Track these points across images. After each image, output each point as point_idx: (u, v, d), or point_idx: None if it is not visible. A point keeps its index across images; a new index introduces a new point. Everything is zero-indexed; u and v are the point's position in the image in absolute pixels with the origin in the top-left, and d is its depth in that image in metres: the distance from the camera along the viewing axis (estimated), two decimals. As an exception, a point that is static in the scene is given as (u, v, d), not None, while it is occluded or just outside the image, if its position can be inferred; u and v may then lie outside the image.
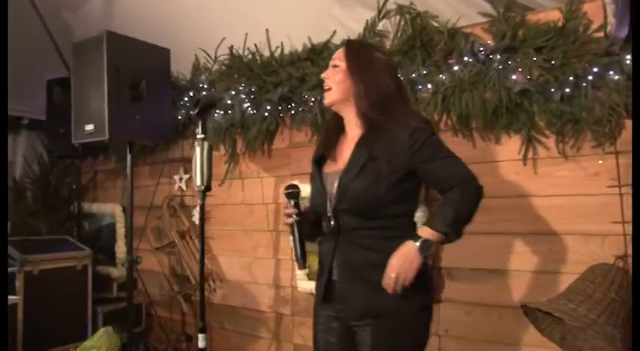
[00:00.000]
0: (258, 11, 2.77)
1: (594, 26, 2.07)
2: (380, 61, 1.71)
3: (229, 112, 3.05)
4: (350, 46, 1.77)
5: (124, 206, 3.75)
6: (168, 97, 2.95)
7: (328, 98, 1.72)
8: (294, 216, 1.69)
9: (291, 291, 2.99)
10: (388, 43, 2.59)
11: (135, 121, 2.62)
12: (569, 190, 2.18)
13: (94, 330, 3.01)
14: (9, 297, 2.67)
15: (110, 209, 3.80)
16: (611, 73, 2.02)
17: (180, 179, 3.45)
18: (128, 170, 2.75)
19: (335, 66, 1.72)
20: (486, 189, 2.36)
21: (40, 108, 3.72)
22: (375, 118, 1.62)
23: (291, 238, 1.76)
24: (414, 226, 1.71)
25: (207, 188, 2.05)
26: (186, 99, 3.31)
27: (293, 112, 2.89)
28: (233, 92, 3.03)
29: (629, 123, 2.06)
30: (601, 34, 2.05)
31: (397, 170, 1.58)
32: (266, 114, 2.90)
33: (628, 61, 1.97)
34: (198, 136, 2.03)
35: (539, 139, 2.23)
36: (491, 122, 2.29)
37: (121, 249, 3.74)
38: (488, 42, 2.28)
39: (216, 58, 3.19)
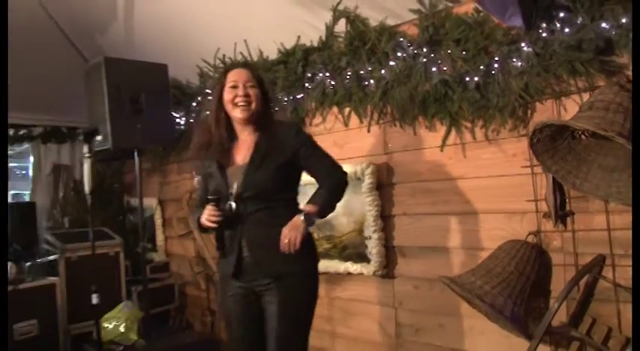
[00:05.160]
0: (247, 21, 3.10)
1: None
2: None
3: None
4: (254, 70, 2.18)
5: (160, 200, 4.34)
6: (168, 105, 3.38)
7: (250, 112, 2.08)
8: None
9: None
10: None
11: (137, 131, 3.07)
12: (491, 172, 2.34)
13: (131, 306, 3.55)
14: (49, 278, 3.30)
15: (149, 203, 4.37)
16: (514, 60, 2.14)
17: (197, 174, 3.91)
18: (137, 171, 3.24)
19: (253, 86, 2.09)
20: (427, 173, 2.58)
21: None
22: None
23: (214, 233, 2.07)
24: (298, 207, 2.11)
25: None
26: (194, 104, 3.77)
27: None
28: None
29: (540, 106, 2.18)
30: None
31: (286, 163, 2.05)
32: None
33: (525, 48, 2.09)
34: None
35: (465, 125, 2.39)
36: (423, 112, 2.49)
37: (159, 237, 4.37)
38: (417, 37, 2.47)
39: (215, 66, 3.59)
